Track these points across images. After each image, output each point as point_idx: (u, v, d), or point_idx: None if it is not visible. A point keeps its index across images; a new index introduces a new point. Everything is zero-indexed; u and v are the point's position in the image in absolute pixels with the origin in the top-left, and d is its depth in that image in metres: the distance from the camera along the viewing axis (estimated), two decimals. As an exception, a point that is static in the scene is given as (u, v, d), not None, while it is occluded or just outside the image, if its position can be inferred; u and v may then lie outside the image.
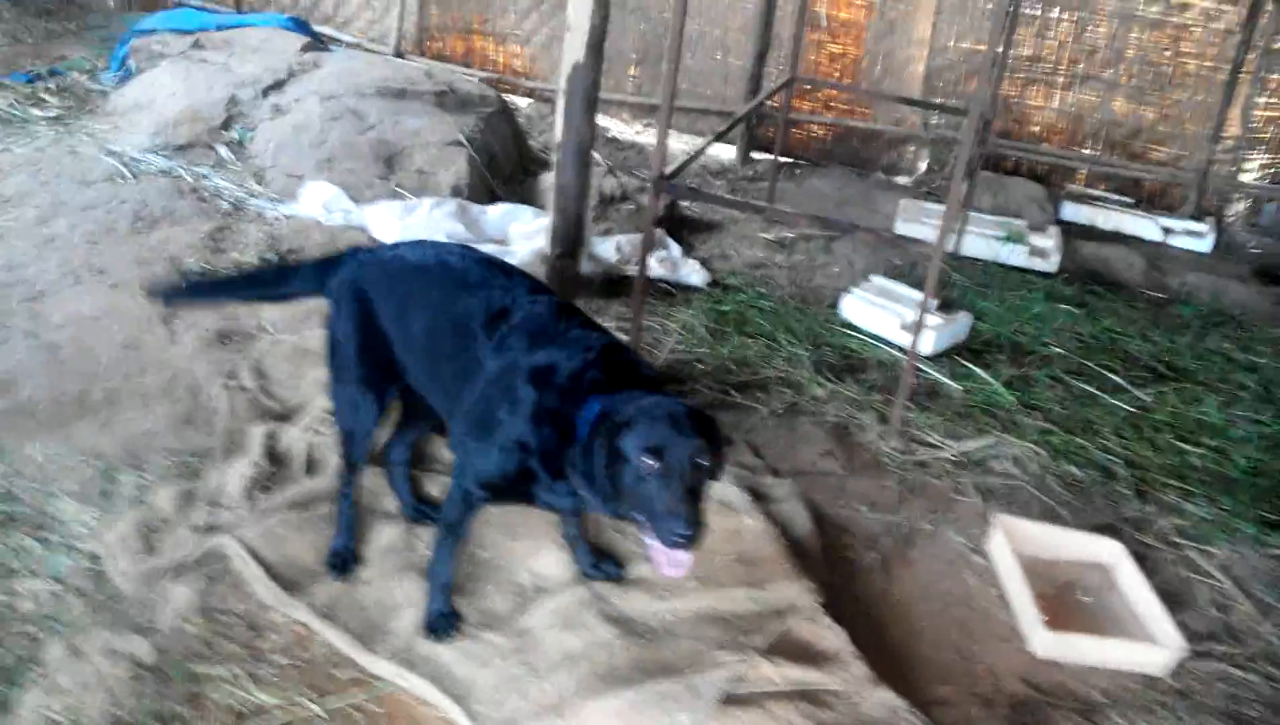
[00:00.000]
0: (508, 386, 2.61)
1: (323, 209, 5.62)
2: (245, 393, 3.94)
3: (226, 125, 6.65)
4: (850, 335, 5.28)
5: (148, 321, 4.26)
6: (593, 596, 3.03)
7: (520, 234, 5.63)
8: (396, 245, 3.13)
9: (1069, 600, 3.59)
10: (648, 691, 2.65)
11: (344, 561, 3.13)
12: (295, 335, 4.26)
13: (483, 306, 2.75)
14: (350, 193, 5.81)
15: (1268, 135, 8.29)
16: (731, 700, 2.69)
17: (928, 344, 5.03)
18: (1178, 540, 3.96)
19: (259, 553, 3.10)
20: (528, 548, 3.23)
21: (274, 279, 3.58)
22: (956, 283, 6.15)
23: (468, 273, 2.88)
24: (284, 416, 3.91)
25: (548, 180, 6.52)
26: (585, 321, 2.79)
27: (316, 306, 4.48)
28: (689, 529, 2.24)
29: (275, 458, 3.65)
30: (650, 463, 2.30)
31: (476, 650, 2.82)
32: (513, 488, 2.71)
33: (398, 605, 3.00)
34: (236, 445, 3.72)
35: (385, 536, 3.27)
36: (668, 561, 2.35)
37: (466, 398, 2.73)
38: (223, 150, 6.42)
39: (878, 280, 5.69)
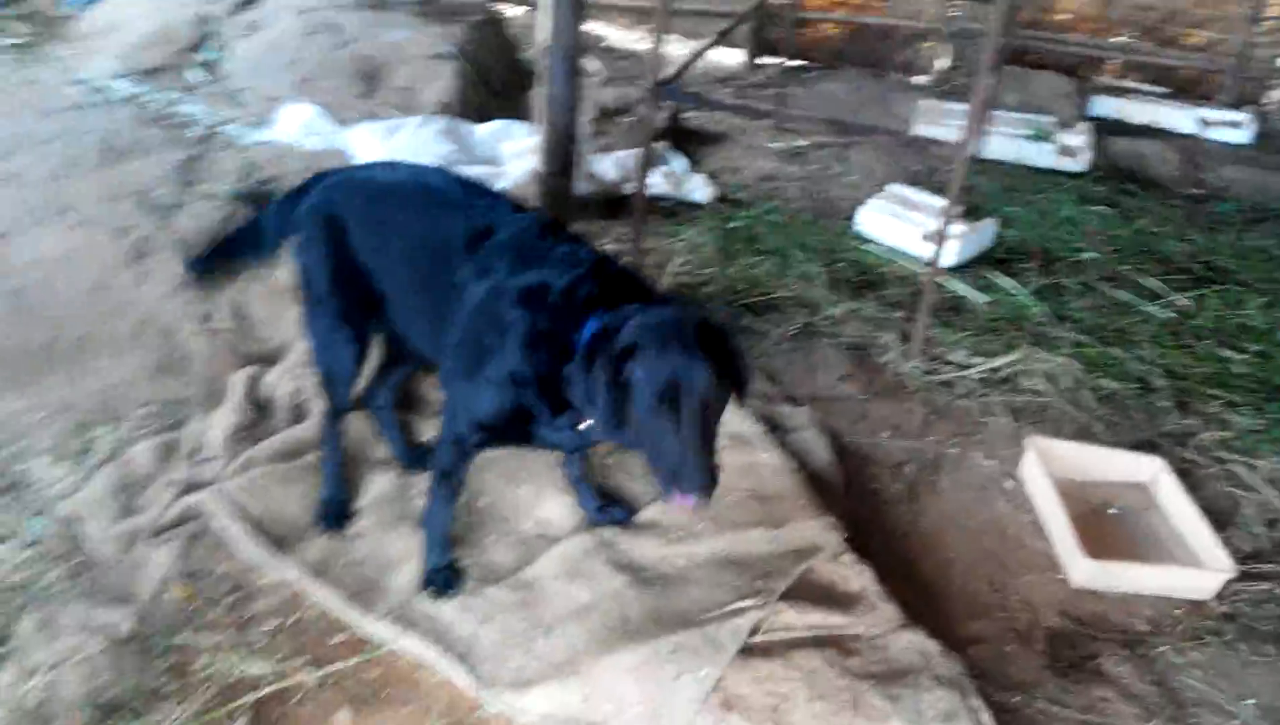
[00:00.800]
0: (495, 312, 2.43)
1: (301, 132, 5.37)
2: (223, 335, 3.78)
3: (198, 46, 6.37)
4: (868, 249, 5.05)
5: (115, 261, 4.07)
6: (600, 543, 2.89)
7: (513, 153, 5.38)
8: (368, 165, 2.91)
9: (1107, 523, 3.44)
10: (663, 644, 2.52)
11: (334, 513, 2.99)
12: (274, 272, 4.06)
13: (463, 227, 2.55)
14: (330, 114, 5.56)
15: (1311, 14, 7.89)
16: (752, 649, 2.57)
17: (950, 255, 4.79)
18: (1221, 454, 3.79)
19: (243, 509, 2.96)
20: (529, 493, 3.08)
21: (255, 233, 3.09)
22: (980, 187, 5.89)
23: (446, 192, 2.69)
24: (265, 360, 3.75)
25: (542, 94, 6.24)
26: (572, 237, 2.60)
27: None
28: (700, 482, 2.09)
29: (258, 405, 3.51)
30: (660, 403, 2.12)
31: (478, 605, 2.69)
32: (509, 427, 2.53)
33: (393, 560, 2.87)
34: (216, 393, 3.58)
35: (378, 486, 3.13)
36: (680, 499, 2.15)
37: (451, 330, 2.55)
38: (193, 73, 6.15)
39: (896, 189, 5.43)
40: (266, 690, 2.53)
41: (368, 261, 2.72)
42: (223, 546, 2.91)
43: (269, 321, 3.90)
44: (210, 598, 2.78)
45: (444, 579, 2.76)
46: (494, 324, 2.43)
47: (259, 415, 3.46)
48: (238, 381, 3.56)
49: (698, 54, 4.27)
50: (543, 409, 2.44)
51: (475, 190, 2.73)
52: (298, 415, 3.47)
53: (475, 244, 2.52)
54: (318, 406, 3.43)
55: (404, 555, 2.87)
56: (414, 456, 3.22)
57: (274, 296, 3.94)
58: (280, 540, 2.92)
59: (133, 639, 2.63)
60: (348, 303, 2.79)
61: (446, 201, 2.66)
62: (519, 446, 2.77)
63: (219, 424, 3.39)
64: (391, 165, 2.85)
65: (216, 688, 2.53)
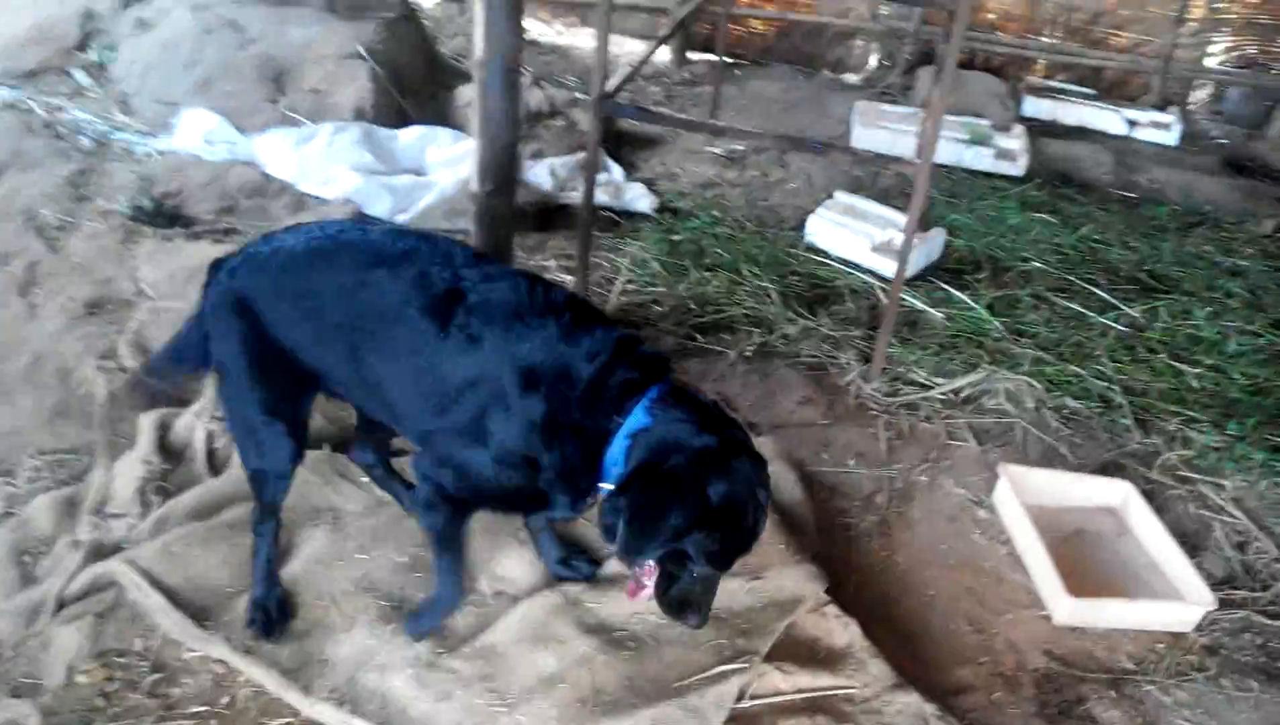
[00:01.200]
0: (497, 394, 2.21)
1: (203, 141, 5.03)
2: (126, 373, 3.47)
3: (83, 45, 5.95)
4: (819, 261, 4.96)
5: (1, 292, 3.72)
6: (566, 602, 2.70)
7: (440, 161, 5.14)
8: (271, 235, 2.58)
9: (1082, 551, 3.40)
10: (641, 718, 2.36)
11: (267, 616, 2.63)
12: (180, 300, 3.76)
13: (416, 287, 2.29)
14: (234, 120, 5.23)
15: (1233, 15, 8.11)
16: (738, 718, 2.42)
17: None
18: (1186, 474, 3.80)
19: (159, 576, 2.69)
20: (484, 547, 2.87)
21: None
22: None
23: (378, 248, 2.39)
24: (177, 401, 3.46)
25: (464, 94, 5.99)
26: (562, 294, 2.37)
27: (200, 261, 4.02)
28: (700, 622, 2.22)
29: (169, 451, 3.23)
30: (706, 569, 2.17)
31: (434, 680, 2.48)
32: (516, 505, 2.42)
33: (334, 627, 2.64)
34: (122, 439, 3.28)
35: (314, 543, 2.89)
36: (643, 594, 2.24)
37: (426, 409, 2.32)
38: (80, 75, 5.74)
39: (842, 197, 5.36)
40: (197, 787, 2.29)
41: (293, 341, 2.43)
42: (139, 620, 2.64)
43: (179, 356, 3.60)
44: (128, 680, 2.51)
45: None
46: (504, 406, 2.21)
47: (171, 464, 3.18)
48: (146, 425, 3.27)
49: (641, 63, 4.11)
50: (562, 497, 2.28)
51: (412, 237, 2.46)
52: (214, 462, 3.21)
53: (443, 308, 2.27)
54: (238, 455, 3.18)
55: (346, 621, 2.64)
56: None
57: (184, 327, 3.64)
58: (204, 610, 2.66)
59: (41, 734, 2.36)
60: (273, 393, 2.48)
61: (381, 258, 2.37)
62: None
63: (126, 474, 3.11)
64: (301, 229, 2.54)
65: (140, 787, 2.28)
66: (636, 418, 2.13)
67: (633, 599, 2.26)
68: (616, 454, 2.15)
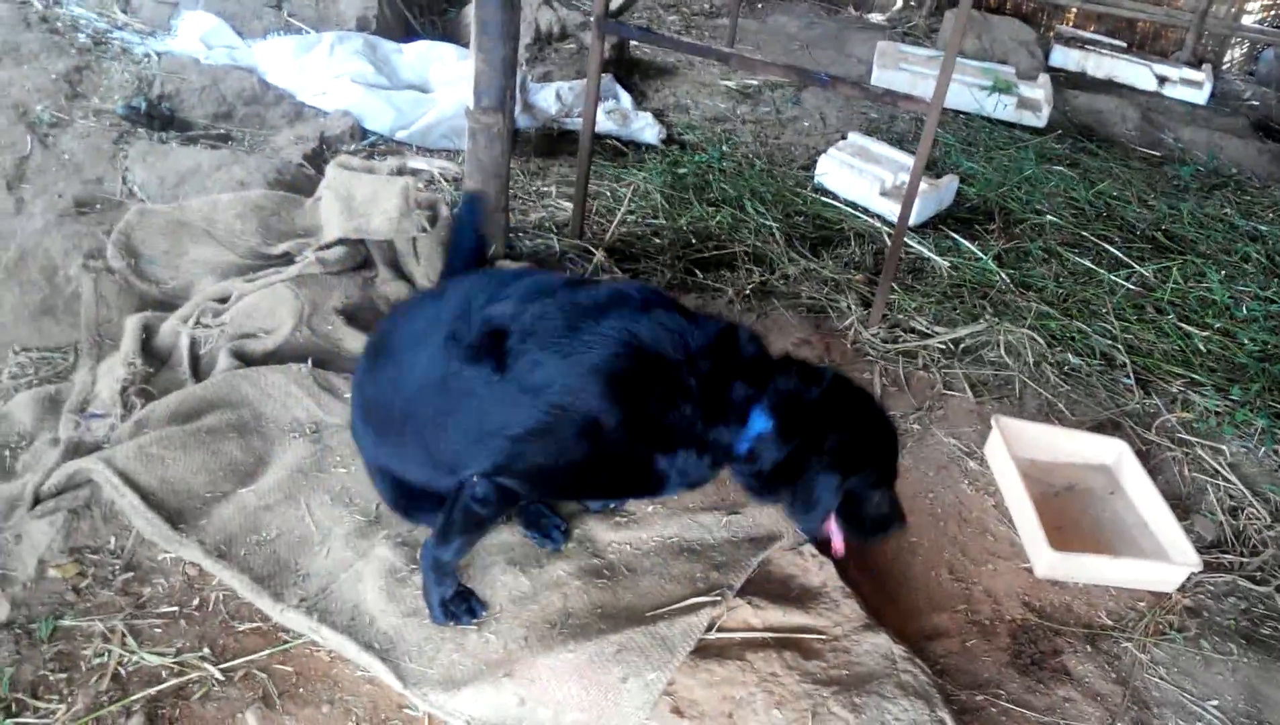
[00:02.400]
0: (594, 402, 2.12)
1: (202, 44, 4.96)
2: (113, 275, 3.46)
3: (83, -62, 5.84)
4: (826, 202, 4.91)
5: (-12, 186, 3.70)
6: (544, 528, 2.72)
7: (443, 79, 5.07)
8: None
9: (1072, 506, 3.41)
10: (608, 643, 2.38)
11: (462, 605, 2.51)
12: (171, 204, 3.74)
13: (444, 350, 2.24)
14: (235, 24, 5.16)
15: (1276, -28, 7.92)
16: (705, 649, 2.44)
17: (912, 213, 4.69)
18: (1184, 437, 3.79)
19: (134, 477, 2.71)
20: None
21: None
22: (939, 139, 5.79)
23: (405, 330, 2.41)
24: (164, 304, 3.46)
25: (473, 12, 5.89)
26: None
27: (193, 166, 4.00)
28: (903, 524, 2.42)
29: (153, 354, 3.23)
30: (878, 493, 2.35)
31: (404, 595, 2.51)
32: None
33: (309, 538, 2.66)
34: (106, 339, 3.29)
35: (294, 452, 2.90)
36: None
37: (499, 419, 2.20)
38: (80, -31, 5.64)
39: (855, 138, 5.29)
40: (165, 685, 2.32)
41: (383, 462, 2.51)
42: (114, 519, 2.67)
43: (165, 259, 3.58)
44: (100, 577, 2.54)
45: (462, 608, 2.48)
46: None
47: (155, 367, 3.19)
48: (131, 327, 3.27)
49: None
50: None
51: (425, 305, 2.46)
52: (197, 368, 3.21)
53: (487, 351, 2.19)
54: (223, 358, 3.18)
55: (320, 532, 2.67)
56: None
57: (171, 231, 3.62)
58: (179, 513, 2.68)
59: (11, 624, 2.39)
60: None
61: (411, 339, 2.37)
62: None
63: (109, 375, 3.12)
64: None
65: (108, 680, 2.31)
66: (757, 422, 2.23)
67: (841, 555, 2.45)
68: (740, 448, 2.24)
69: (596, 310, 2.16)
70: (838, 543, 2.39)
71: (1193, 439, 3.78)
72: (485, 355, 2.17)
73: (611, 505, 2.84)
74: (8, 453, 2.91)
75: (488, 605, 2.51)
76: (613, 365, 2.10)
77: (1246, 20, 8.18)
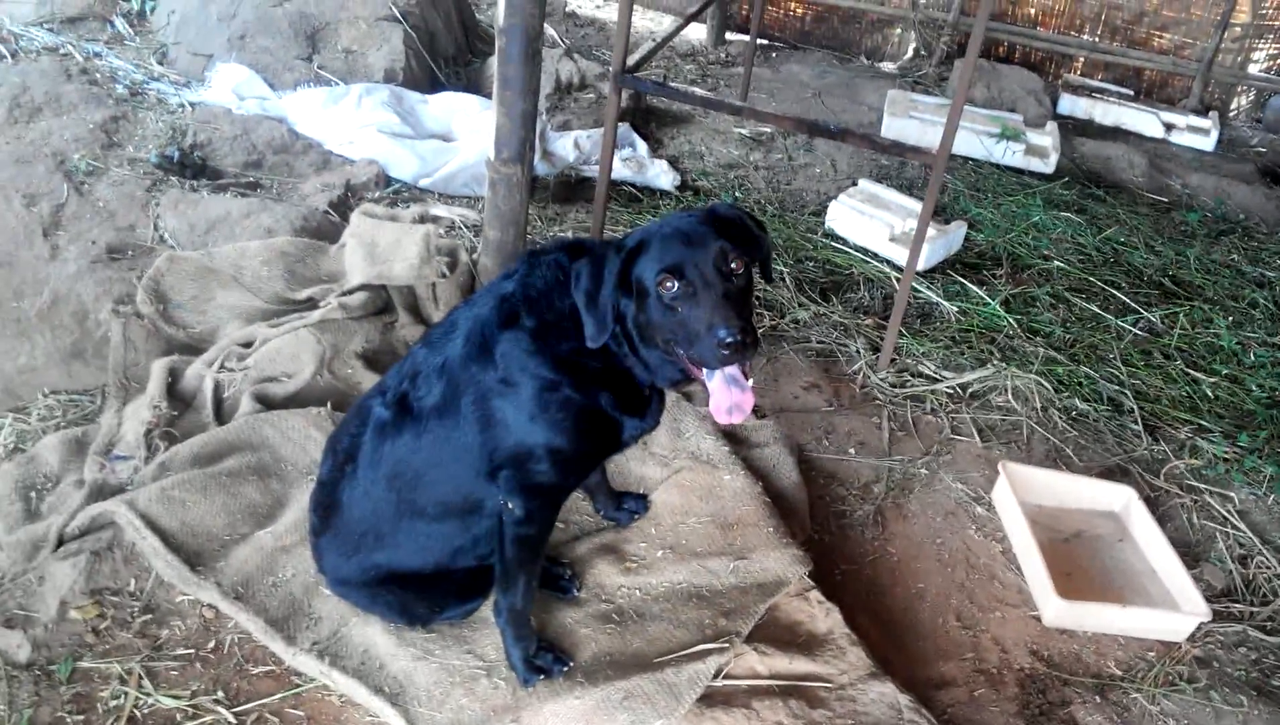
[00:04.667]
0: (484, 358, 2.24)
1: (234, 95, 5.03)
2: (142, 319, 3.48)
3: (124, -7, 5.95)
4: (836, 247, 4.89)
5: (25, 232, 3.73)
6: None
7: (466, 129, 5.10)
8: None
9: (1080, 554, 3.34)
10: (615, 690, 2.34)
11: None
12: (200, 251, 3.77)
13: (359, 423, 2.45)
14: (267, 76, 5.22)
15: (1278, 22, 7.89)
16: (711, 697, 2.40)
17: (920, 259, 4.66)
18: (1193, 483, 3.72)
19: (156, 520, 2.71)
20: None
21: None
22: (948, 185, 5.77)
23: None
24: (189, 347, 3.47)
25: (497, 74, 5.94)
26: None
27: (222, 214, 4.03)
28: (732, 331, 1.95)
29: (178, 397, 3.24)
30: (669, 284, 2.05)
31: (414, 639, 2.48)
32: (598, 441, 2.34)
33: (321, 578, 2.63)
34: (133, 382, 3.31)
35: (309, 493, 2.88)
36: (726, 406, 2.08)
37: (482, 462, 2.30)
38: (120, 23, 5.75)
39: (866, 185, 5.28)
40: (178, 728, 2.30)
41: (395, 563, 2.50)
42: (134, 561, 2.66)
43: (192, 305, 3.61)
44: (119, 619, 2.54)
45: (548, 664, 2.44)
46: (491, 368, 2.24)
47: (179, 411, 3.20)
48: (157, 371, 3.29)
49: (664, 41, 4.05)
50: (607, 396, 2.25)
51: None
52: (222, 413, 3.22)
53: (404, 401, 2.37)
54: (245, 402, 3.18)
55: (336, 577, 2.64)
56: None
57: (199, 277, 3.65)
58: (197, 555, 2.68)
59: (32, 665, 2.39)
60: None
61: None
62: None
63: (134, 417, 3.14)
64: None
65: (124, 723, 2.30)
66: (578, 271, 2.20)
67: (722, 419, 2.11)
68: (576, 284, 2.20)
69: (446, 335, 2.34)
70: (719, 398, 2.10)
71: (1201, 486, 3.71)
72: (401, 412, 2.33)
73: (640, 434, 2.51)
74: (34, 494, 2.92)
75: (573, 656, 2.48)
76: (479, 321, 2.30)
77: (1252, 69, 8.13)
